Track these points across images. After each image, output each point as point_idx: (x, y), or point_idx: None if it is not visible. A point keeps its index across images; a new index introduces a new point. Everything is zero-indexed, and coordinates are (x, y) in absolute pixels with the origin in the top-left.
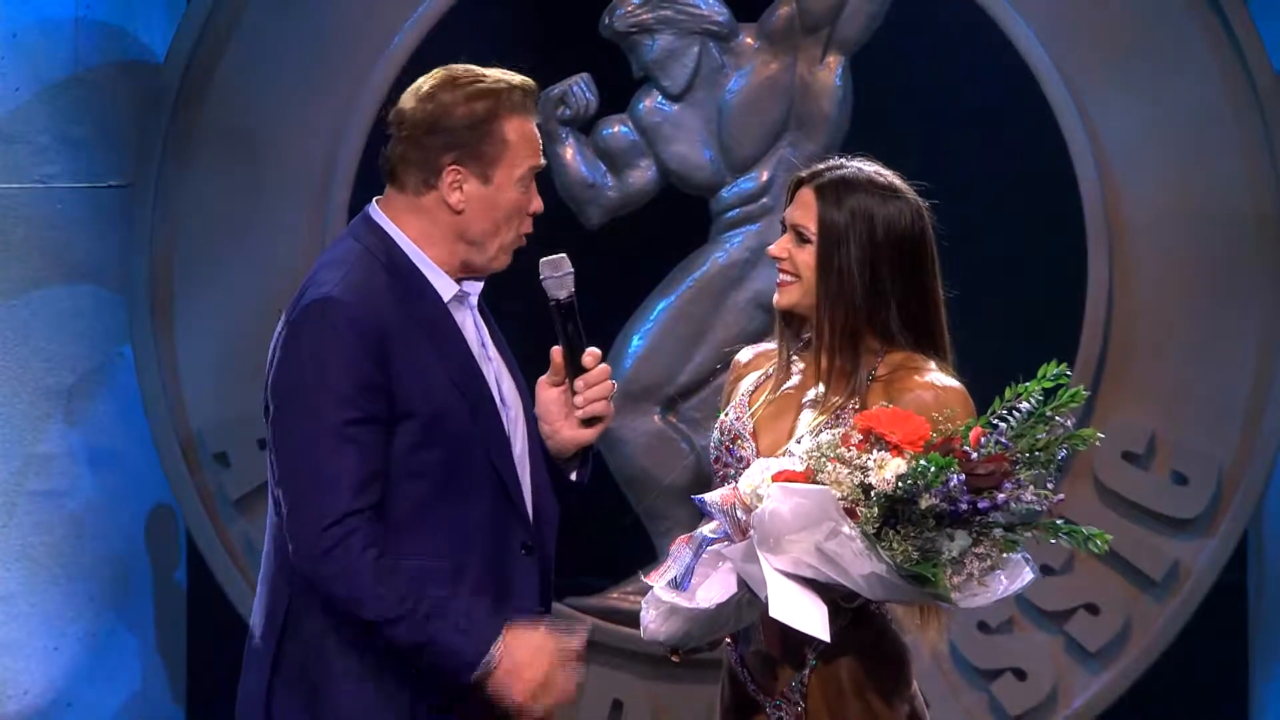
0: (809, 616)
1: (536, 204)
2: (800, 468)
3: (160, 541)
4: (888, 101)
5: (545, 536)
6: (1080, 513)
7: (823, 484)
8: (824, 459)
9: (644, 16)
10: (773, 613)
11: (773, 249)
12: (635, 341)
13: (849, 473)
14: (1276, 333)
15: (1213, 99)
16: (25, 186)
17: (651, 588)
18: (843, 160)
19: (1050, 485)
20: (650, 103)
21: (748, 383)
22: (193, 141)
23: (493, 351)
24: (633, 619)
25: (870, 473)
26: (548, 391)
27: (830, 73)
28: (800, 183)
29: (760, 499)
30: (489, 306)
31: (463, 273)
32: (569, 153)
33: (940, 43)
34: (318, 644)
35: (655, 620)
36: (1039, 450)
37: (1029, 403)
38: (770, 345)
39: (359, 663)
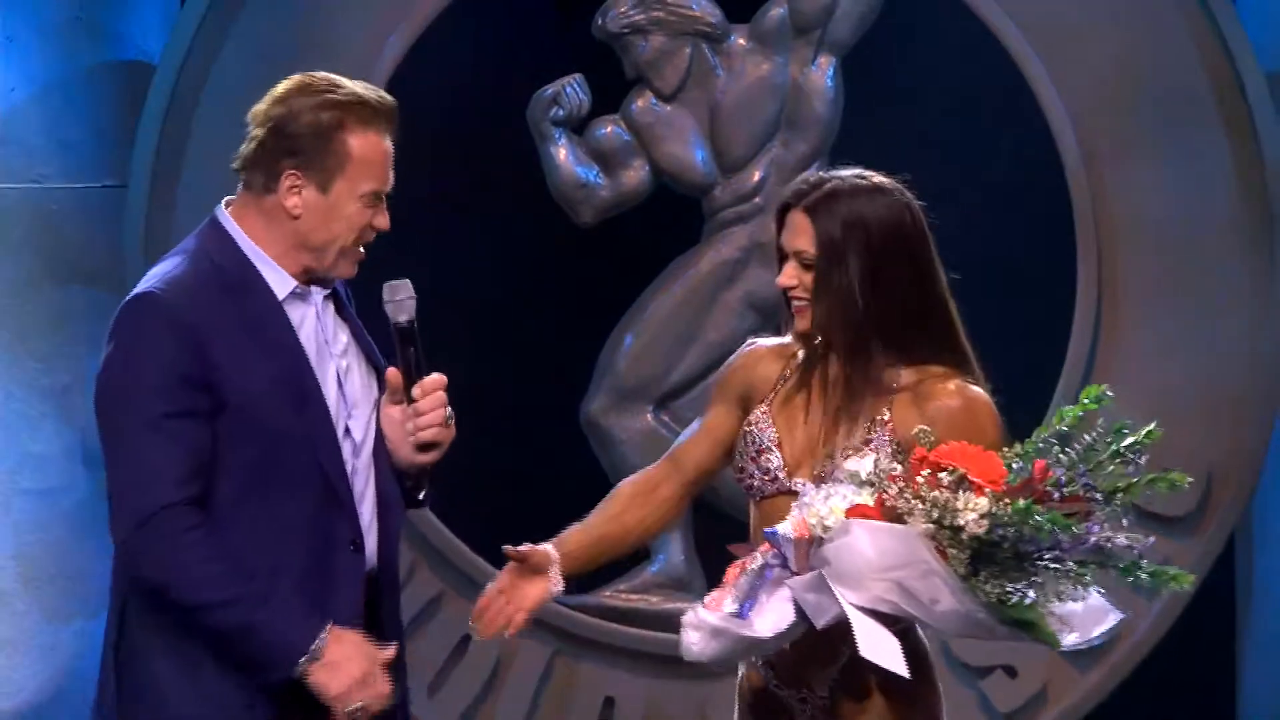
0: (892, 653)
1: (381, 221)
2: (870, 501)
3: None
4: (879, 103)
5: (389, 547)
6: None
7: (907, 524)
8: (911, 500)
9: (636, 17)
10: (863, 653)
11: (781, 279)
12: (627, 341)
13: (938, 513)
14: (1264, 332)
15: (1200, 99)
16: (19, 187)
17: (692, 610)
18: (822, 175)
19: (1125, 522)
20: (643, 103)
21: (762, 384)
22: (187, 143)
23: (339, 349)
24: (625, 616)
25: (959, 514)
26: (389, 410)
27: (822, 74)
28: (788, 207)
29: (827, 530)
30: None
31: (305, 278)
32: (562, 153)
33: (931, 44)
34: (147, 640)
35: (699, 641)
36: (1122, 491)
37: (1091, 436)
38: (782, 341)
39: (185, 661)
